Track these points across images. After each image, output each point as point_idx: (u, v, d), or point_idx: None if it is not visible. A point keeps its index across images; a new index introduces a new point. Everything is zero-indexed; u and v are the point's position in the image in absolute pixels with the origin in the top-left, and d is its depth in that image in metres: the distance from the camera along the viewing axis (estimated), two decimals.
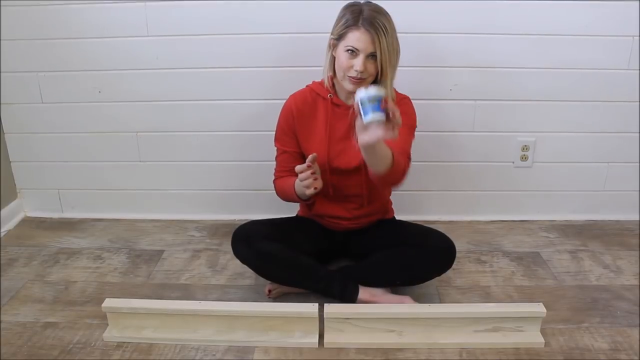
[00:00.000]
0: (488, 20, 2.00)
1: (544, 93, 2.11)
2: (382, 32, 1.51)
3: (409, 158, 1.64)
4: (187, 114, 2.17)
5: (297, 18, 2.00)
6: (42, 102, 2.17)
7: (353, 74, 1.56)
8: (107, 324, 1.61)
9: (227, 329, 1.57)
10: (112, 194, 2.34)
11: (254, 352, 1.54)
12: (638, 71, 2.06)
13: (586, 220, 2.32)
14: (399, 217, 1.93)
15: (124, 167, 2.28)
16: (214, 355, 1.53)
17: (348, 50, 1.54)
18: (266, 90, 2.11)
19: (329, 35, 1.62)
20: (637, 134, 2.18)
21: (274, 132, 1.77)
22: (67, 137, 2.24)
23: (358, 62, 1.54)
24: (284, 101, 1.75)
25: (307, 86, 1.75)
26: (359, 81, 1.57)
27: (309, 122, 1.71)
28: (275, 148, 1.78)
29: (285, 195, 1.75)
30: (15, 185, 2.35)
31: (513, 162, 2.24)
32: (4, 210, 2.26)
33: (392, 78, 1.61)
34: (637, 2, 1.96)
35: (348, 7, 1.58)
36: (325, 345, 1.56)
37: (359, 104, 1.28)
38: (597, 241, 2.16)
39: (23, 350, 1.55)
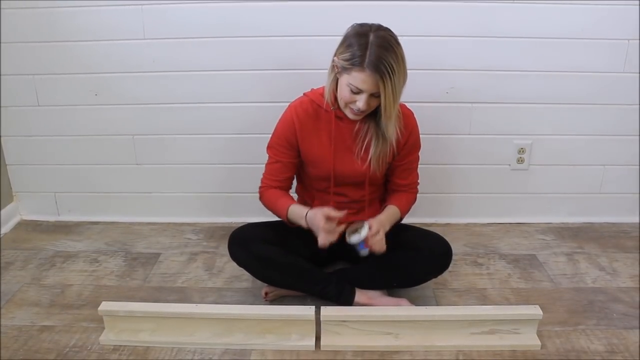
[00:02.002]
0: (484, 23, 2.00)
1: (540, 96, 2.12)
2: (387, 76, 1.46)
3: (416, 188, 1.82)
4: (184, 117, 2.17)
5: (294, 21, 2.01)
6: (39, 105, 2.17)
7: (355, 108, 1.55)
8: (104, 328, 1.61)
9: (224, 332, 1.57)
10: (109, 197, 2.34)
11: (251, 355, 1.54)
12: (633, 74, 2.07)
13: (582, 223, 2.33)
14: None
15: (120, 170, 2.28)
16: (210, 358, 1.53)
17: (351, 87, 1.51)
18: (263, 94, 2.11)
19: (333, 56, 1.56)
20: (633, 137, 2.19)
21: (269, 139, 1.74)
22: (64, 140, 2.23)
23: (361, 101, 1.52)
24: (281, 104, 1.74)
25: (305, 95, 1.72)
26: (361, 114, 1.58)
27: (312, 134, 1.68)
28: (268, 155, 1.75)
29: (273, 209, 1.74)
30: (11, 188, 2.34)
31: (509, 165, 2.25)
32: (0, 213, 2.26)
33: (396, 108, 1.56)
34: (632, 5, 1.97)
35: (355, 35, 1.50)
36: (322, 348, 1.56)
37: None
38: (594, 243, 2.17)
39: (19, 354, 1.54)
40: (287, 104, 1.73)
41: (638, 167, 2.24)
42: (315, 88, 1.72)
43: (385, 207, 1.76)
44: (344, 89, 1.54)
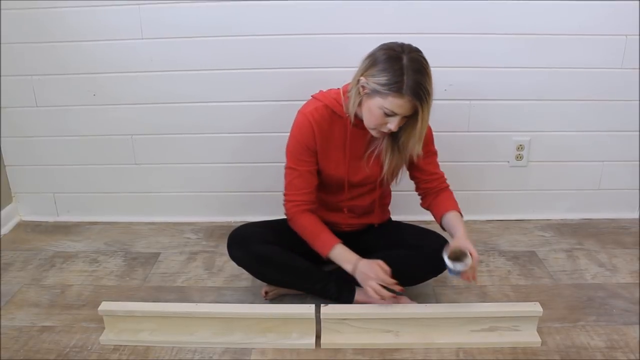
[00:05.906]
0: (482, 20, 2.00)
1: (538, 92, 2.12)
2: (425, 100, 1.43)
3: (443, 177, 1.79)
4: (182, 116, 2.17)
5: (293, 20, 2.00)
6: (37, 106, 2.17)
7: (385, 130, 1.51)
8: (104, 328, 1.61)
9: (224, 331, 1.57)
10: (108, 197, 2.34)
11: (251, 353, 1.54)
12: (632, 70, 2.07)
13: (581, 219, 2.33)
14: (395, 217, 1.93)
15: (119, 170, 2.28)
16: (211, 357, 1.53)
17: (385, 110, 1.46)
18: (262, 93, 2.10)
19: (359, 76, 1.49)
20: (632, 133, 2.19)
21: (286, 155, 1.65)
22: (62, 140, 2.23)
23: (393, 124, 1.48)
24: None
25: (316, 99, 1.63)
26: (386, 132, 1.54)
27: (328, 141, 1.64)
28: (289, 169, 1.65)
29: (309, 239, 1.66)
30: (10, 189, 2.34)
31: (508, 162, 2.25)
32: None
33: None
34: (630, 1, 1.97)
35: (388, 60, 1.44)
36: (322, 347, 1.56)
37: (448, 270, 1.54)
38: (593, 240, 2.17)
39: (19, 354, 1.54)
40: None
41: (636, 162, 2.24)
42: (323, 90, 1.66)
43: (449, 214, 1.72)
44: (374, 112, 1.48)
